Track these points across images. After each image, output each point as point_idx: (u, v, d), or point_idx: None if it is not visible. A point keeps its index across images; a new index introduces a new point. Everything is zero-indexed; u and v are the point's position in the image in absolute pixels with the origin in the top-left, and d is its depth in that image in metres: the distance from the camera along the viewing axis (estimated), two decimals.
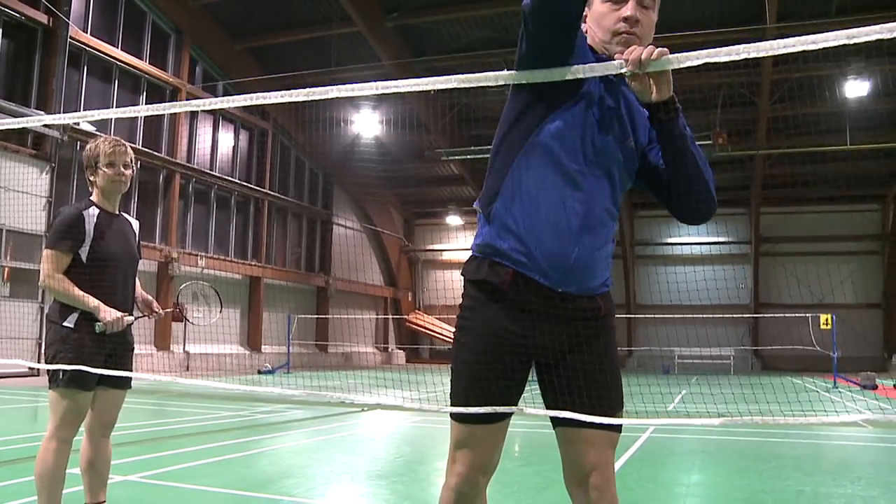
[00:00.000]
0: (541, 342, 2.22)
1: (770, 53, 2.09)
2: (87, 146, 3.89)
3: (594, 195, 2.22)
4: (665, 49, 2.09)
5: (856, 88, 24.95)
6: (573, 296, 2.23)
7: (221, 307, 4.71)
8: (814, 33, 2.03)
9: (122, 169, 3.82)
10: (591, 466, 2.20)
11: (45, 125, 19.27)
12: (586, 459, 2.22)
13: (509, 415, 2.30)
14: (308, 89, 2.71)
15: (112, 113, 4.01)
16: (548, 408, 2.28)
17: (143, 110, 3.63)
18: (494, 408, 2.21)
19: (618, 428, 2.26)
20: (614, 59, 2.16)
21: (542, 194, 2.19)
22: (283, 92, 2.75)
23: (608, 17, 2.25)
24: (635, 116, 2.32)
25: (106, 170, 3.79)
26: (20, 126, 4.15)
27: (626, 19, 2.21)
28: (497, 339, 2.23)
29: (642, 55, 2.04)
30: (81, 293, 3.66)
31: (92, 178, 3.84)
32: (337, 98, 2.56)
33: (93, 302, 3.66)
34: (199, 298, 4.72)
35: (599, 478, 2.20)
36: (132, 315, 3.89)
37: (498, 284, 2.22)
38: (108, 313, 3.67)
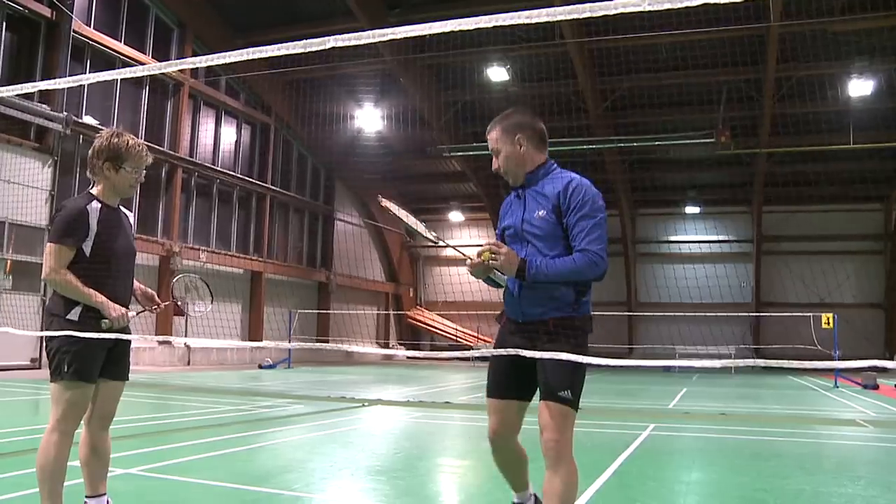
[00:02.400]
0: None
1: None
2: (110, 138, 3.79)
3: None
4: (477, 262, 3.36)
5: (860, 87, 24.87)
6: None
7: (212, 299, 4.70)
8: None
9: (142, 176, 3.89)
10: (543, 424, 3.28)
11: (48, 118, 19.31)
12: (539, 420, 3.28)
13: (513, 396, 3.47)
14: (305, 41, 2.66)
15: (62, 83, 3.91)
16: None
17: (90, 78, 3.57)
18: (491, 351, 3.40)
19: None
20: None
21: None
22: (278, 45, 2.69)
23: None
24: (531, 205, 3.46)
25: (131, 174, 3.82)
26: None
27: (496, 169, 3.58)
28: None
29: (472, 260, 3.39)
30: (86, 289, 3.66)
31: (108, 173, 3.79)
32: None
33: (98, 298, 3.66)
34: (190, 291, 4.71)
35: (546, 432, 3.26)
36: (132, 309, 3.90)
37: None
38: (115, 310, 3.68)
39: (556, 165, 3.50)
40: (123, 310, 3.71)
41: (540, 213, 3.34)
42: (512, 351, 3.21)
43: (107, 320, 3.66)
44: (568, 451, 3.20)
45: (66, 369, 3.62)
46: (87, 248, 3.71)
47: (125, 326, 3.82)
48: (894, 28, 22.43)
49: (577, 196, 3.28)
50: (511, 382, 3.44)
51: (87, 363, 3.66)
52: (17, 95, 18.83)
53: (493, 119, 3.59)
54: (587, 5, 2.04)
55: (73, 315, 3.68)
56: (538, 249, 3.31)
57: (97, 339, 3.63)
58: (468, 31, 2.35)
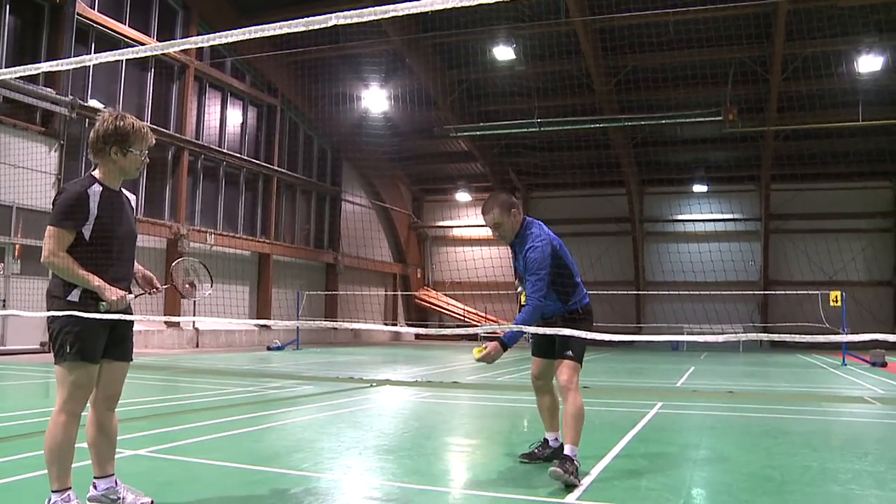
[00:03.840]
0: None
1: None
2: (114, 121, 3.79)
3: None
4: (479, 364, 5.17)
5: (869, 63, 24.60)
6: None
7: (212, 283, 4.72)
8: None
9: (146, 157, 3.91)
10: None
11: (53, 102, 19.30)
12: (556, 371, 5.23)
13: (544, 355, 5.47)
14: (307, 18, 2.66)
15: (65, 64, 3.91)
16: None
17: (93, 59, 3.55)
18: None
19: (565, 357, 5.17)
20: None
21: None
22: (279, 23, 2.69)
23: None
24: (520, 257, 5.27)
25: (138, 156, 3.84)
26: None
27: (494, 235, 5.33)
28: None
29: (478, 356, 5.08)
30: (85, 272, 3.66)
31: (115, 157, 3.79)
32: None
33: (96, 281, 3.66)
34: (189, 274, 4.72)
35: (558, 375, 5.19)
36: (132, 292, 3.90)
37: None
38: (112, 292, 3.67)
39: (527, 225, 5.24)
40: (122, 293, 3.71)
41: (523, 264, 5.20)
42: (541, 330, 4.92)
43: (104, 303, 3.66)
44: (574, 387, 5.03)
45: (68, 350, 3.64)
46: (87, 231, 3.70)
47: (126, 308, 3.83)
48: None
49: (530, 263, 5.07)
50: (544, 348, 5.41)
51: (89, 343, 3.67)
52: (22, 79, 18.82)
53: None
54: None
55: (74, 296, 3.69)
56: (531, 282, 5.03)
57: (98, 319, 3.64)
58: (473, 6, 2.33)
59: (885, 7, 22.53)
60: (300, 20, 2.62)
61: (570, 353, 5.03)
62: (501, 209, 5.14)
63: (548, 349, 5.27)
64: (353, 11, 2.48)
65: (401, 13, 2.41)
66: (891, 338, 2.26)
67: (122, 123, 3.78)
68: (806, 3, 22.16)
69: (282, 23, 2.63)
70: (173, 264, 4.66)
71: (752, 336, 2.66)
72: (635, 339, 3.35)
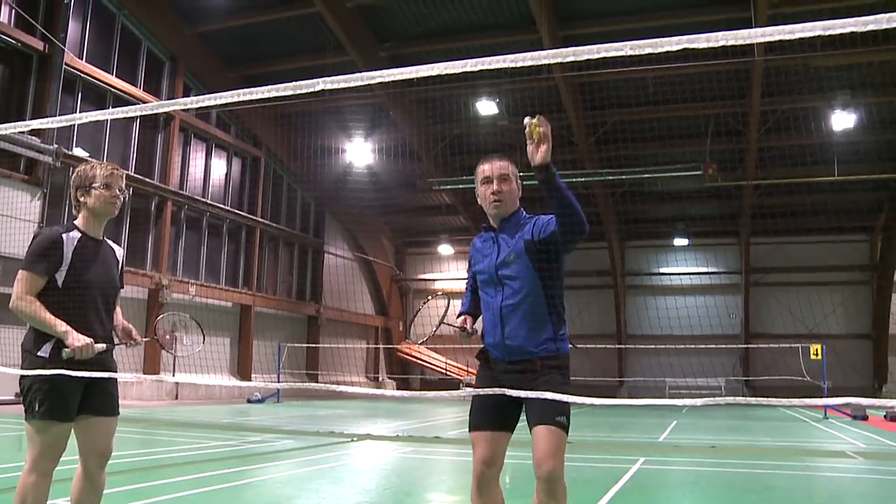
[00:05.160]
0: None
1: (749, 41, 2.24)
2: (80, 167, 3.82)
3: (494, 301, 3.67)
4: (543, 148, 3.21)
5: (843, 120, 25.20)
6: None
7: (204, 338, 4.64)
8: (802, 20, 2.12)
9: (118, 192, 3.80)
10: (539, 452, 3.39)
11: (38, 150, 19.31)
12: (538, 445, 3.39)
13: (503, 428, 3.59)
14: (295, 83, 2.72)
15: (55, 122, 3.94)
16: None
17: (81, 118, 3.61)
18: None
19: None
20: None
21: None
22: (268, 87, 2.75)
23: (485, 194, 3.70)
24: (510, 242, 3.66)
25: (102, 191, 3.74)
26: None
27: (493, 193, 3.65)
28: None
29: (533, 124, 3.17)
30: (51, 317, 3.55)
31: (82, 199, 3.76)
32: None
33: (62, 327, 3.54)
34: (178, 329, 4.67)
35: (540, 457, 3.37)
36: (113, 343, 3.83)
37: None
38: (77, 339, 3.53)
39: (524, 211, 3.76)
40: (87, 340, 3.55)
41: (513, 256, 3.58)
42: (513, 392, 3.27)
43: (68, 349, 3.52)
44: (563, 474, 3.39)
45: (37, 408, 3.52)
46: (60, 278, 3.63)
47: (104, 361, 3.71)
48: (872, 63, 22.92)
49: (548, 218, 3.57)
50: (501, 414, 3.56)
51: (60, 401, 3.55)
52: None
53: (487, 153, 3.78)
54: (570, 49, 2.09)
55: (44, 351, 3.59)
56: (513, 291, 3.55)
57: (68, 376, 3.49)
58: (457, 73, 2.41)
59: (856, 67, 23.22)
60: (288, 84, 2.69)
61: (562, 418, 3.39)
62: (512, 167, 3.76)
63: (506, 416, 3.56)
64: (340, 77, 2.54)
65: (387, 79, 2.48)
66: (864, 401, 2.30)
67: (83, 167, 3.81)
68: (781, 61, 22.73)
69: (270, 87, 2.70)
70: (159, 318, 4.59)
71: (730, 399, 2.68)
72: (614, 404, 3.34)
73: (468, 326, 3.79)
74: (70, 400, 3.59)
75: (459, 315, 3.89)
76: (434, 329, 4.03)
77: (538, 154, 3.20)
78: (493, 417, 3.57)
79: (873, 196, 31.73)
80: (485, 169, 3.73)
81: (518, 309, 3.55)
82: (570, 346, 3.64)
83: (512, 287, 3.57)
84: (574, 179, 28.07)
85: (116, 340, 3.96)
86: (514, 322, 3.54)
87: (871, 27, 1.88)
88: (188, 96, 26.02)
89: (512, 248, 3.62)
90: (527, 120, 3.16)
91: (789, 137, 25.84)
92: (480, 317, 3.79)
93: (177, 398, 24.21)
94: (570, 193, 3.34)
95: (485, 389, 3.48)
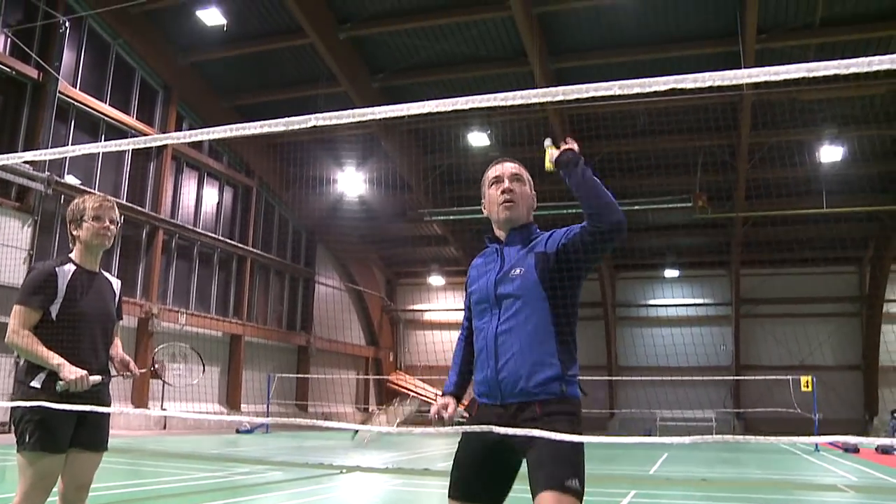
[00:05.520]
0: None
1: (735, 81, 2.30)
2: (74, 201, 3.88)
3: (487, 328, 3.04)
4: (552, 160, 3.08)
5: (830, 153, 25.51)
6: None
7: (204, 368, 4.63)
8: (789, 62, 2.18)
9: (108, 223, 3.81)
10: None
11: (29, 178, 19.30)
12: None
13: (486, 499, 2.96)
14: (287, 118, 2.75)
15: (48, 154, 3.93)
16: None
17: (75, 150, 3.62)
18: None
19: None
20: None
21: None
22: (261, 122, 2.79)
23: (494, 196, 3.17)
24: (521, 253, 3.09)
25: (93, 223, 3.77)
26: None
27: (504, 192, 3.14)
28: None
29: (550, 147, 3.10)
30: (46, 350, 3.56)
31: (75, 233, 3.81)
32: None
33: (56, 360, 3.55)
34: (177, 359, 4.65)
35: None
36: (109, 375, 3.83)
37: None
38: (71, 371, 3.53)
39: (537, 228, 3.19)
40: (82, 372, 3.54)
41: (517, 271, 2.96)
42: (511, 430, 2.67)
43: (62, 382, 3.52)
44: None
45: (28, 439, 3.51)
46: (55, 311, 3.66)
47: (98, 394, 3.71)
48: (859, 98, 23.27)
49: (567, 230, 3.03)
50: (485, 482, 2.90)
51: (52, 433, 3.54)
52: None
53: (477, 179, 3.57)
54: (560, 88, 2.13)
55: (37, 382, 3.59)
56: (512, 312, 2.89)
57: (61, 408, 3.48)
58: (447, 112, 2.45)
59: (843, 101, 23.57)
60: (280, 120, 2.73)
61: (574, 482, 2.67)
62: (526, 172, 3.29)
63: (493, 484, 2.93)
64: (331, 113, 2.58)
65: (378, 116, 2.52)
66: (852, 440, 2.33)
67: (75, 201, 3.86)
68: (769, 95, 23.02)
69: (262, 122, 2.73)
70: (158, 348, 4.59)
71: (719, 438, 2.68)
72: (603, 441, 3.11)
73: (447, 413, 3.07)
74: (61, 431, 3.58)
75: (444, 394, 3.18)
76: (396, 421, 3.87)
77: (561, 148, 2.99)
78: (477, 484, 2.90)
79: (862, 227, 31.95)
80: (494, 170, 3.21)
81: (516, 334, 2.87)
82: (581, 392, 2.94)
83: (511, 308, 2.91)
84: (564, 211, 28.19)
85: (113, 372, 3.95)
86: (510, 351, 2.85)
87: (853, 69, 1.94)
88: (181, 125, 26.13)
89: (517, 262, 3.00)
90: (547, 142, 3.18)
91: (778, 169, 26.07)
92: (471, 387, 3.14)
93: (165, 428, 23.98)
94: (600, 184, 2.88)
95: (471, 426, 2.87)
